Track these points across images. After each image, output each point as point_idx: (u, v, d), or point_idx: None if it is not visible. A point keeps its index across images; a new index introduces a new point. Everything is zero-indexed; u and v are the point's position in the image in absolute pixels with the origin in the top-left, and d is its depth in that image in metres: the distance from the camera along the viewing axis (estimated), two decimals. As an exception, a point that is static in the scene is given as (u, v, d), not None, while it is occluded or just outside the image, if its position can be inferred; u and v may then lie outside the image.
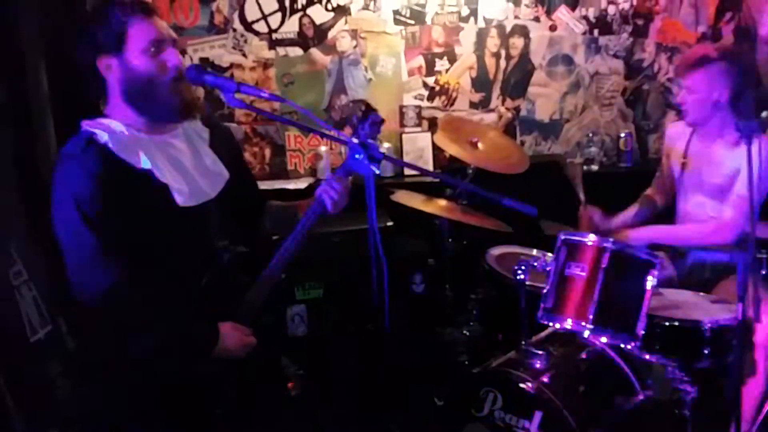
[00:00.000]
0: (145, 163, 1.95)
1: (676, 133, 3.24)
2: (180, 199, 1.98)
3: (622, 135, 4.12)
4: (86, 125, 1.97)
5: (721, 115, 2.99)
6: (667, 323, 2.57)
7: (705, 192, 3.08)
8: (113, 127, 1.96)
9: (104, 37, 1.93)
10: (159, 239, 1.97)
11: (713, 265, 3.10)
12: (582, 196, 3.09)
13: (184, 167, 2.04)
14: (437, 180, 3.61)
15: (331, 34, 4.05)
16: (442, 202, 3.07)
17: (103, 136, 1.93)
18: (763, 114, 2.26)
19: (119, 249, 1.88)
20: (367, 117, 2.11)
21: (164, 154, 2.01)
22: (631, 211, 3.28)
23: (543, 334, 2.77)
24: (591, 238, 2.53)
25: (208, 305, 2.00)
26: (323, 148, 4.02)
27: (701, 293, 2.90)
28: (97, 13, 2.00)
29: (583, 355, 2.65)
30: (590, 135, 4.21)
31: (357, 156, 1.90)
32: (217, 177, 2.12)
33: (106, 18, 1.95)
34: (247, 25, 4.01)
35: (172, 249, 1.99)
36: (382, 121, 2.14)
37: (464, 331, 3.08)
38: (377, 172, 1.88)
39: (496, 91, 4.17)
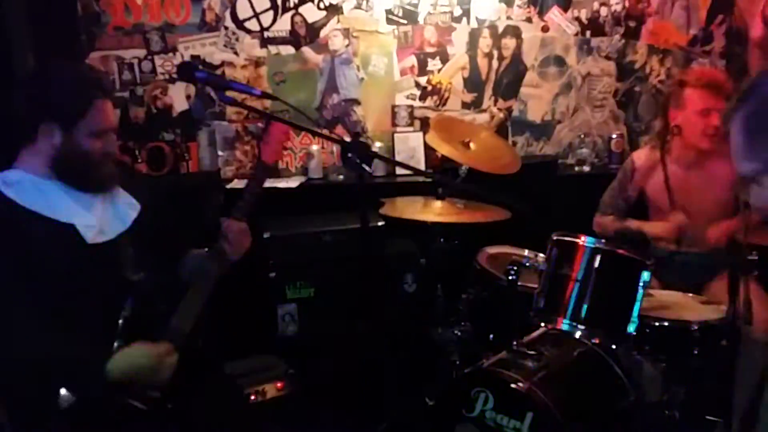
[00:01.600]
0: (46, 208, 1.98)
1: (647, 162, 3.21)
2: (89, 236, 2.02)
3: (614, 136, 4.13)
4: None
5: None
6: (657, 324, 2.58)
7: (696, 216, 3.08)
8: (19, 178, 2.00)
9: (62, 107, 1.97)
10: (72, 278, 1.99)
11: (700, 266, 3.11)
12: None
13: (92, 204, 2.07)
14: (429, 180, 3.61)
15: (323, 32, 4.04)
16: (436, 205, 3.05)
17: (8, 191, 1.96)
18: None
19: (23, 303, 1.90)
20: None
21: (69, 195, 2.04)
22: None
23: (535, 334, 2.77)
24: (583, 239, 2.53)
25: (133, 337, 1.99)
26: (315, 147, 4.00)
27: (690, 294, 2.91)
28: (63, 81, 2.00)
29: (575, 356, 2.65)
30: (582, 136, 4.21)
31: (349, 155, 1.89)
32: (129, 209, 2.17)
33: (72, 91, 1.97)
34: (239, 23, 3.99)
35: (87, 284, 2.01)
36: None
37: (455, 331, 3.06)
38: (369, 171, 1.87)
39: (488, 92, 4.17)
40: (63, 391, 1.89)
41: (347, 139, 1.99)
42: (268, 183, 3.80)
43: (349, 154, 1.88)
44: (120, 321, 2.00)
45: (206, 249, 2.23)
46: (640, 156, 3.27)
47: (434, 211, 3.04)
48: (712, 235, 3.00)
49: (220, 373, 2.36)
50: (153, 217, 2.24)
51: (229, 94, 1.91)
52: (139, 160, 3.97)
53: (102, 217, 2.07)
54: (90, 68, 2.08)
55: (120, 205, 2.16)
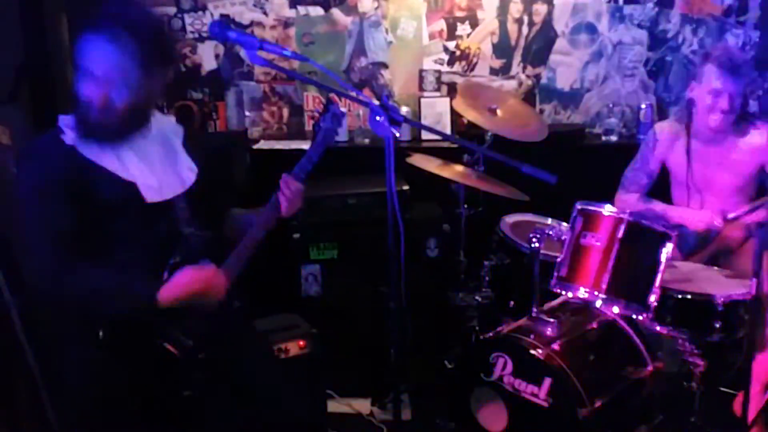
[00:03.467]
0: (111, 162, 2.01)
1: (669, 135, 3.19)
2: (148, 196, 2.05)
3: (643, 106, 4.07)
4: (61, 121, 2.03)
5: (732, 120, 2.99)
6: (679, 296, 2.58)
7: (715, 193, 3.09)
8: (85, 125, 2.00)
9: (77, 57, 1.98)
10: (125, 231, 2.03)
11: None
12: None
13: (154, 162, 2.10)
14: (455, 145, 3.60)
15: (353, -6, 4.02)
16: (459, 168, 3.06)
17: (70, 137, 1.99)
18: None
19: (74, 239, 1.95)
20: (327, 109, 2.30)
21: (133, 150, 2.07)
22: None
23: (555, 302, 2.79)
24: (608, 209, 2.53)
25: None
26: (342, 110, 4.00)
27: (715, 267, 2.91)
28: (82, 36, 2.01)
29: (594, 325, 2.67)
30: (610, 105, 4.17)
31: (378, 118, 1.89)
32: (189, 172, 2.19)
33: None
34: (269, -17, 3.99)
35: (139, 237, 2.05)
36: (344, 114, 2.30)
37: (476, 297, 3.09)
38: (398, 134, 1.88)
39: (517, 58, 4.14)
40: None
41: (375, 102, 1.97)
42: (294, 144, 3.83)
43: (378, 117, 1.88)
44: (167, 269, 2.04)
45: (251, 210, 2.27)
46: (663, 127, 3.24)
47: (457, 171, 3.04)
48: (730, 234, 2.98)
49: (252, 329, 2.40)
50: (208, 178, 2.26)
51: (260, 54, 1.92)
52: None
53: (162, 177, 2.10)
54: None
55: (180, 167, 2.18)
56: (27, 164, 2.02)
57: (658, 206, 3.17)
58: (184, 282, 1.97)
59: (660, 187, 3.28)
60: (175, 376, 2.00)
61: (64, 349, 2.07)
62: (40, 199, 1.96)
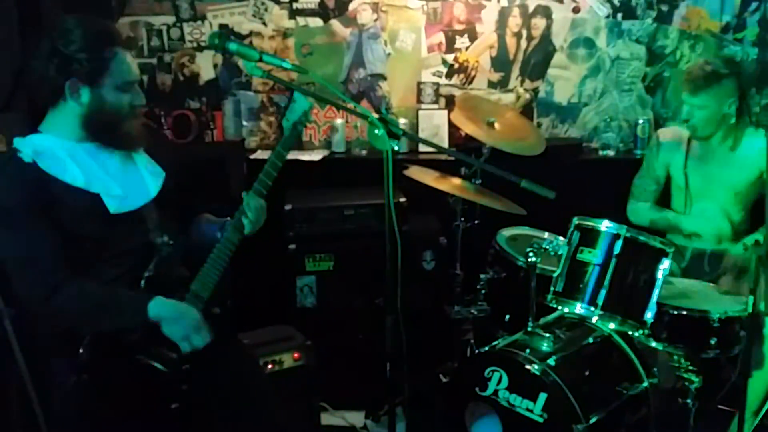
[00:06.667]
0: (74, 177, 2.00)
1: (671, 139, 3.21)
2: (113, 206, 2.04)
3: (640, 121, 4.08)
4: (17, 144, 2.03)
5: (726, 125, 3.02)
6: (675, 312, 2.58)
7: (715, 200, 3.10)
8: (44, 144, 2.01)
9: (84, 65, 1.96)
10: (94, 243, 2.03)
11: (711, 257, 3.10)
12: None
13: (119, 172, 2.09)
14: (452, 158, 3.60)
15: (352, 6, 4.02)
16: (456, 181, 3.06)
17: (28, 156, 1.98)
18: None
19: (54, 258, 1.95)
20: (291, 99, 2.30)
21: (97, 162, 2.06)
22: None
23: (551, 317, 2.78)
24: (604, 224, 2.53)
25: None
26: (339, 121, 4.00)
27: (711, 284, 2.91)
28: (80, 38, 1.99)
29: (590, 340, 2.66)
30: (608, 120, 4.17)
31: (377, 132, 1.89)
32: (153, 177, 2.18)
33: (91, 47, 1.96)
34: (268, -7, 3.99)
35: (109, 249, 2.04)
36: (311, 106, 2.31)
37: (472, 311, 3.08)
38: (396, 148, 1.88)
39: (515, 72, 4.14)
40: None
41: (374, 114, 1.97)
42: (291, 155, 3.82)
43: (377, 131, 1.88)
44: (142, 281, 2.04)
45: (227, 218, 2.25)
46: (665, 132, 3.27)
47: (454, 184, 3.04)
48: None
49: (234, 341, 2.39)
50: (176, 184, 2.26)
51: (259, 66, 1.92)
52: (165, 127, 3.99)
53: (127, 186, 2.09)
54: (104, 20, 2.06)
55: (145, 174, 2.18)
56: None
57: (671, 215, 3.18)
58: (168, 308, 1.98)
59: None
60: (161, 390, 1.98)
61: (51, 368, 2.06)
62: (11, 221, 1.94)
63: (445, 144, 4.02)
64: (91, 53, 1.97)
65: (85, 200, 2.01)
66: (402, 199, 3.32)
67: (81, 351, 1.93)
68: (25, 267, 1.95)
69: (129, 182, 2.11)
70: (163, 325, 1.97)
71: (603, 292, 2.46)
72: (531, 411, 2.41)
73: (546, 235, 3.19)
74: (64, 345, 1.98)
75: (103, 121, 2.03)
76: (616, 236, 2.49)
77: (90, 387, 1.94)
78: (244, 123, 4.10)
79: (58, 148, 2.02)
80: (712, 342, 2.54)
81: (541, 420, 2.38)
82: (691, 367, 2.59)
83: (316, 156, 3.90)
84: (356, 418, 3.25)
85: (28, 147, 2.00)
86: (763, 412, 2.68)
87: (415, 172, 3.10)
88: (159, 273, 2.05)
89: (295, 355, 2.78)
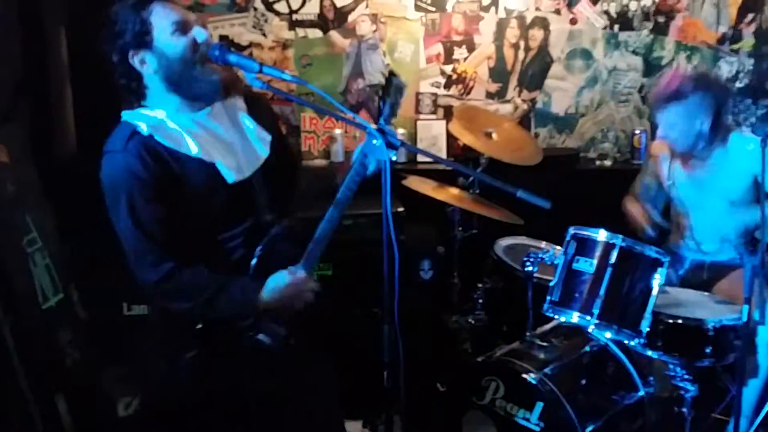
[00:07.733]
0: (191, 148, 1.95)
1: (661, 152, 3.20)
2: (230, 176, 1.99)
3: (637, 132, 4.11)
4: (127, 118, 1.97)
5: (705, 140, 2.97)
6: (670, 321, 2.59)
7: (706, 209, 3.09)
8: (155, 117, 1.96)
9: (130, 35, 1.92)
10: (212, 218, 1.99)
11: (710, 266, 3.11)
12: None
13: (229, 142, 2.03)
14: (450, 168, 3.63)
15: (351, 17, 4.06)
16: (454, 191, 3.08)
17: (144, 129, 1.93)
18: None
19: (169, 241, 1.92)
20: (390, 82, 2.18)
21: (208, 133, 2.00)
22: None
23: (547, 326, 2.80)
24: (601, 234, 2.55)
25: (263, 277, 2.01)
26: (338, 131, 4.03)
27: (706, 293, 2.92)
28: (115, 14, 1.96)
29: (587, 349, 2.68)
30: (605, 130, 4.21)
31: (374, 142, 1.91)
32: (262, 142, 2.11)
33: (125, 17, 1.94)
34: (268, 5, 4.02)
35: (225, 225, 2.01)
36: (405, 86, 2.22)
37: (469, 320, 3.10)
38: (394, 158, 1.89)
39: (513, 83, 4.17)
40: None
41: (373, 125, 1.99)
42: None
43: (374, 141, 1.90)
44: (254, 261, 2.02)
45: None
46: (656, 145, 3.24)
47: (452, 194, 3.06)
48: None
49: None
50: (284, 147, 2.22)
51: (259, 77, 1.93)
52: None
53: (239, 154, 2.04)
54: None
55: (252, 138, 2.10)
56: (111, 164, 1.93)
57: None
58: (281, 287, 1.98)
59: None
60: (268, 364, 2.00)
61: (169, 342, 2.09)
62: (133, 199, 1.90)
63: (444, 154, 4.05)
64: (133, 23, 1.92)
65: (205, 171, 1.96)
66: (400, 209, 3.34)
67: (200, 326, 1.96)
68: (141, 247, 1.92)
69: (240, 149, 2.05)
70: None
71: (599, 302, 2.47)
72: (528, 420, 2.42)
73: (543, 244, 3.21)
74: (181, 319, 1.99)
75: (180, 71, 1.95)
76: (612, 246, 2.51)
77: (204, 361, 1.97)
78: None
79: (166, 120, 1.97)
80: (707, 351, 2.55)
81: (537, 429, 2.39)
82: (686, 376, 2.61)
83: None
84: (354, 427, 3.25)
85: (142, 119, 1.95)
86: (759, 419, 2.69)
87: (414, 182, 3.13)
88: (269, 253, 2.02)
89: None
